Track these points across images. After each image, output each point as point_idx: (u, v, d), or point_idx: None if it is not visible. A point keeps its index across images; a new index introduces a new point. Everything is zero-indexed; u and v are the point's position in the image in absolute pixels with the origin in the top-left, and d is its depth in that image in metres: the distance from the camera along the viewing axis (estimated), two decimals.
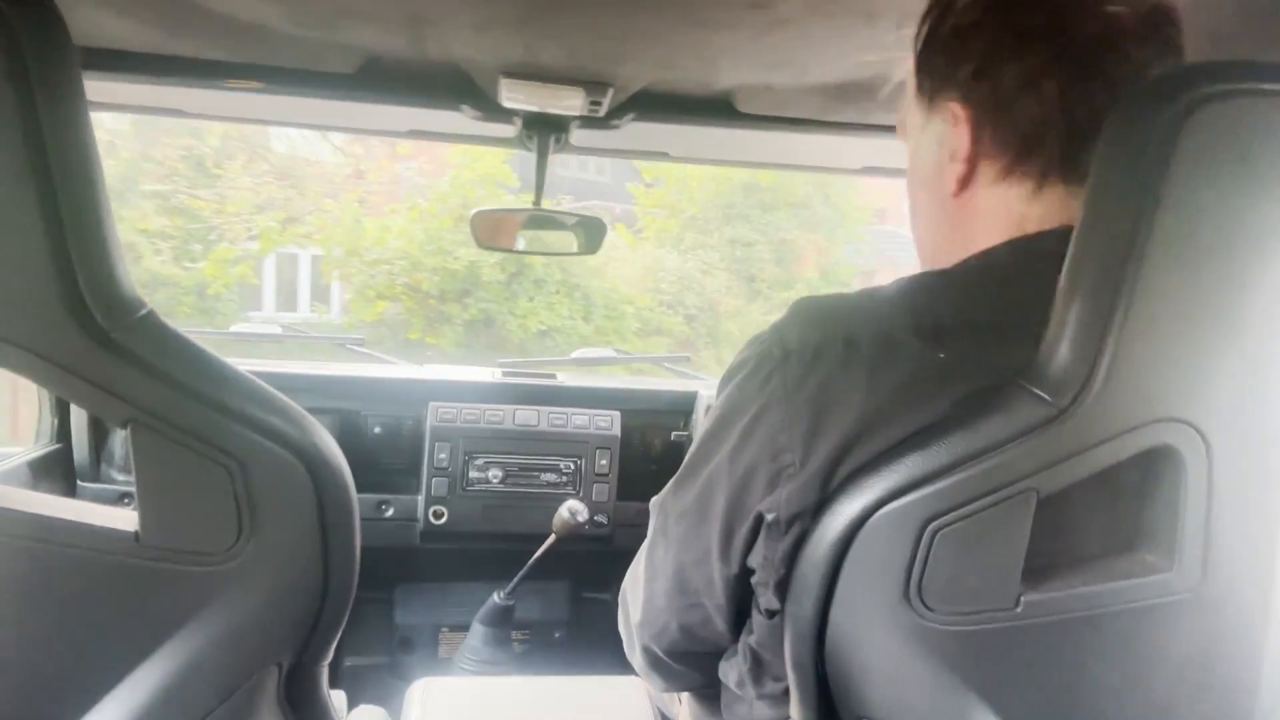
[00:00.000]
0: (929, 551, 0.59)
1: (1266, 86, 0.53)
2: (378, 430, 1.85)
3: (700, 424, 1.76)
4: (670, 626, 0.78)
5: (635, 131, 1.42)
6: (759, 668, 0.73)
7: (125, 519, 0.63)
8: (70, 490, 1.64)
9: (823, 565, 0.62)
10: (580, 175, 11.47)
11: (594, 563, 1.93)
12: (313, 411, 0.69)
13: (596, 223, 1.64)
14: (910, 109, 0.75)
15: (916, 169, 0.76)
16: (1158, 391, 0.57)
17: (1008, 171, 0.68)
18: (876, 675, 0.63)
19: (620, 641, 0.90)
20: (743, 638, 0.74)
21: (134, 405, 0.60)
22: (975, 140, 0.68)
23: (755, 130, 1.39)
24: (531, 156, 1.44)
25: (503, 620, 1.79)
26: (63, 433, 1.63)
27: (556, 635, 2.04)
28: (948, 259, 0.70)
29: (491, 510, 1.80)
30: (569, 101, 1.25)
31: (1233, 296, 0.57)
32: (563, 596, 2.05)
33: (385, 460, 1.85)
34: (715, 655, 0.79)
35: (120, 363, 0.59)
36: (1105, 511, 0.64)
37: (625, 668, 0.91)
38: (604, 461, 1.83)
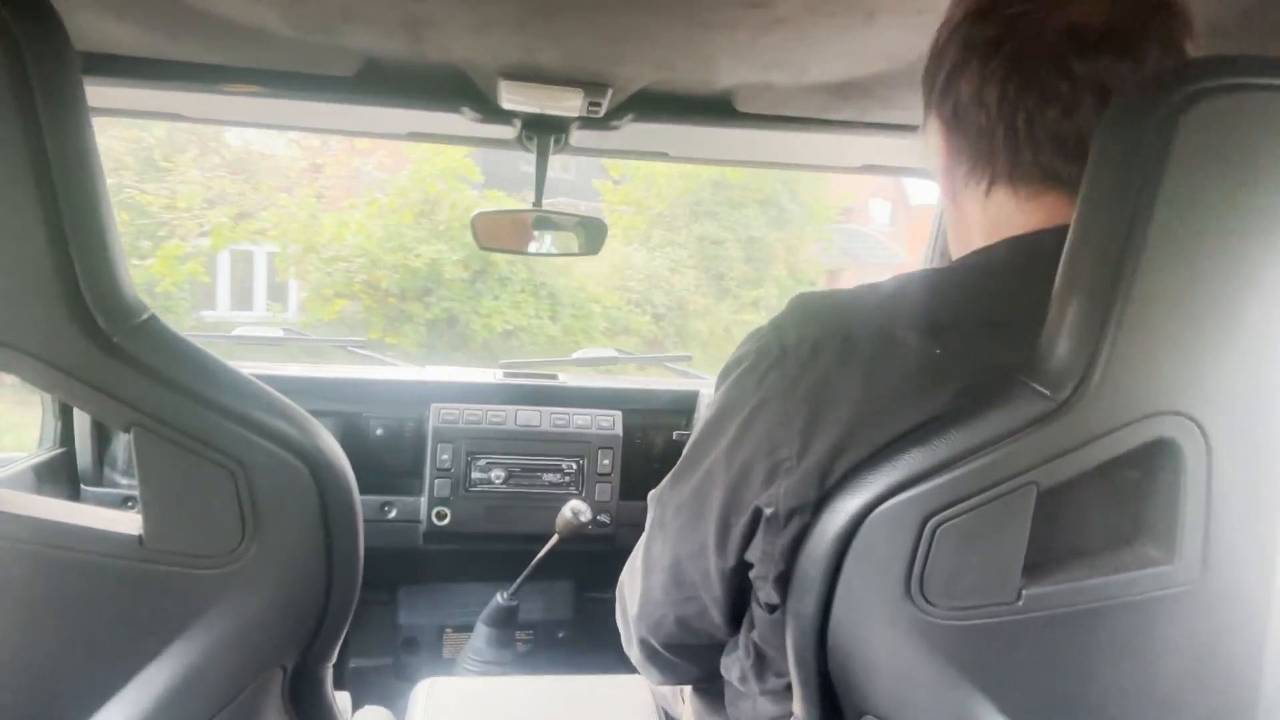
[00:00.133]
0: (930, 547, 0.59)
1: (1262, 81, 0.53)
2: (380, 432, 1.85)
3: None
4: (667, 619, 0.78)
5: (635, 132, 1.42)
6: (761, 663, 0.73)
7: (129, 523, 0.63)
8: (74, 494, 1.64)
9: (824, 562, 0.63)
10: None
11: (597, 562, 1.93)
12: (315, 414, 0.69)
13: (597, 223, 1.64)
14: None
15: (934, 174, 0.79)
16: (1156, 385, 0.58)
17: (966, 179, 0.72)
18: (879, 671, 0.64)
19: None
20: (744, 633, 0.75)
21: (137, 409, 0.60)
22: (946, 150, 0.72)
23: (755, 130, 1.40)
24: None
25: (506, 621, 1.80)
26: (66, 437, 1.64)
27: (560, 635, 2.04)
28: (957, 256, 0.74)
29: (494, 511, 1.80)
30: (568, 103, 1.25)
31: (1230, 289, 0.57)
32: (566, 596, 2.05)
33: (388, 462, 1.85)
34: (712, 648, 0.79)
35: (123, 367, 0.59)
36: (1105, 505, 0.64)
37: (629, 667, 0.91)
38: (606, 461, 1.83)
